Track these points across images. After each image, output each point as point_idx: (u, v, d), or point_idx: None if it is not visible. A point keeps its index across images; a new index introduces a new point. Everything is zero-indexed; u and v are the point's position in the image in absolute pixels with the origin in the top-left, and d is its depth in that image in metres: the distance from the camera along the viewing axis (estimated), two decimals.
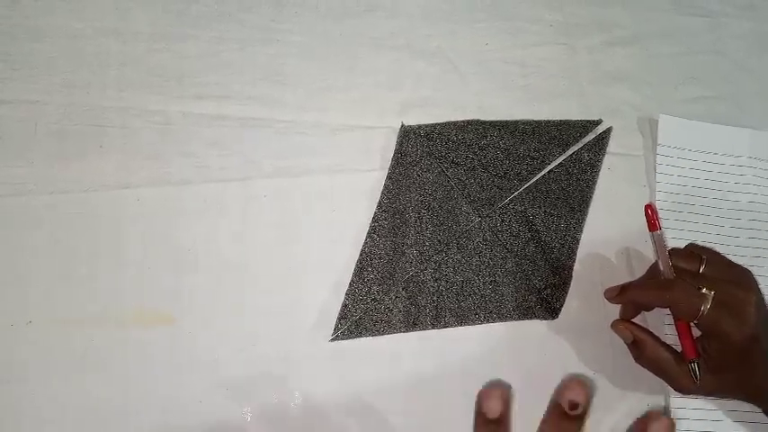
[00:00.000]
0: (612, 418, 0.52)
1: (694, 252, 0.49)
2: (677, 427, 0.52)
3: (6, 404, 0.46)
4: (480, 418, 0.30)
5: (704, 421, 0.52)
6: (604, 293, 0.50)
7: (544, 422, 0.31)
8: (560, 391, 0.30)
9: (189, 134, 0.53)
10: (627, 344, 0.49)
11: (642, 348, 0.48)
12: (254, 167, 0.53)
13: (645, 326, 0.50)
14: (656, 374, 0.48)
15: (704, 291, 0.45)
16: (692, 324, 0.47)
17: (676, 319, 0.48)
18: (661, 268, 0.48)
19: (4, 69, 0.53)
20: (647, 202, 0.49)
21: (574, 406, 0.29)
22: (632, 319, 0.50)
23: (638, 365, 0.49)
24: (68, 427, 0.46)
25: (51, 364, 0.47)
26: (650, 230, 0.49)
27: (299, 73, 0.57)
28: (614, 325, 0.50)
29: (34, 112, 0.52)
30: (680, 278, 0.47)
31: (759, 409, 0.48)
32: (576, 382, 0.29)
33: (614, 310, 0.52)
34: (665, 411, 0.52)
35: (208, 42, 0.56)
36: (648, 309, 0.52)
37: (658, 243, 0.48)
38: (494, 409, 0.29)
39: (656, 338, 0.48)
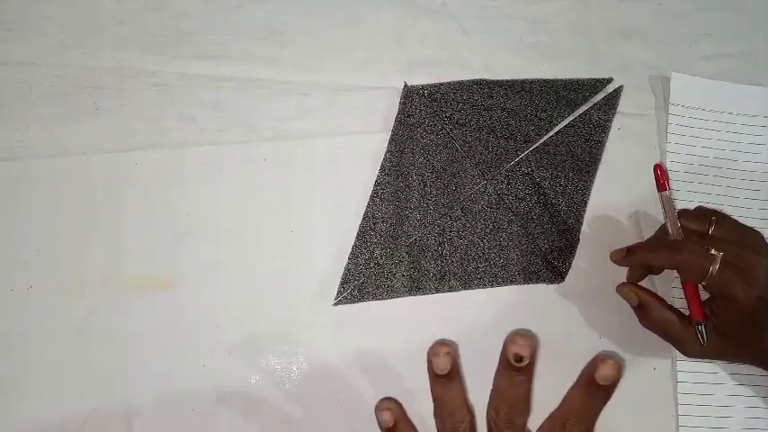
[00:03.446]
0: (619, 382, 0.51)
1: (704, 213, 0.48)
2: (682, 389, 0.51)
3: (7, 369, 0.46)
4: (432, 374, 0.33)
5: (710, 385, 0.52)
6: (610, 256, 0.49)
7: (497, 375, 0.34)
8: (505, 345, 0.32)
9: (187, 96, 0.52)
10: (632, 307, 0.49)
11: (648, 311, 0.47)
12: (253, 130, 0.52)
13: (653, 289, 0.49)
14: (663, 338, 0.48)
15: (713, 252, 0.44)
16: (699, 286, 0.46)
17: (684, 281, 0.47)
18: (669, 229, 0.47)
19: None
20: (656, 162, 0.48)
21: (518, 359, 0.31)
22: (638, 283, 0.50)
23: (644, 329, 0.48)
24: (70, 392, 0.46)
25: (52, 328, 0.47)
26: (659, 191, 0.48)
27: (300, 32, 0.55)
28: (620, 288, 0.49)
29: (29, 73, 0.51)
30: (688, 239, 0.46)
31: (766, 373, 0.48)
32: (519, 336, 0.31)
33: (621, 273, 0.51)
34: (672, 374, 0.52)
35: (205, 0, 0.54)
36: (656, 272, 0.51)
37: (667, 204, 0.47)
38: (442, 366, 0.33)
39: (662, 301, 0.48)
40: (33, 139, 0.50)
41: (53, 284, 0.48)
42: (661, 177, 0.48)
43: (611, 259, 0.49)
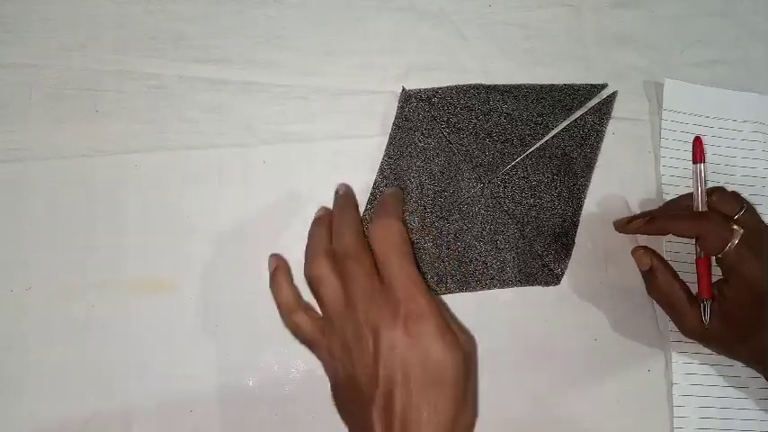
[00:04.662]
0: (614, 383, 0.52)
1: (738, 198, 0.49)
2: (677, 391, 0.52)
3: (7, 369, 0.46)
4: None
5: (704, 386, 0.53)
6: (628, 225, 0.51)
7: None
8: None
9: (187, 99, 0.52)
10: (642, 272, 0.50)
11: (658, 277, 0.49)
12: (253, 133, 0.52)
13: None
14: (665, 309, 0.49)
15: (735, 227, 0.45)
16: (713, 264, 0.47)
17: (698, 258, 0.48)
18: (695, 201, 0.49)
19: None
20: (695, 135, 0.52)
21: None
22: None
23: (636, 331, 0.49)
24: (70, 393, 0.46)
25: (52, 330, 0.47)
26: (694, 162, 0.50)
27: (299, 36, 0.55)
28: (635, 251, 0.50)
29: (29, 75, 0.51)
30: (713, 212, 0.48)
31: (760, 375, 0.48)
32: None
33: (617, 275, 0.52)
34: (666, 376, 0.53)
35: (206, 3, 0.54)
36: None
37: (699, 176, 0.49)
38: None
39: (674, 272, 0.49)
40: (33, 141, 0.50)
41: (53, 286, 0.48)
42: (698, 149, 0.50)
43: (629, 228, 0.51)
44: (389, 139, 0.53)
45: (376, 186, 0.52)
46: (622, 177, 0.56)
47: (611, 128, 0.57)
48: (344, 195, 0.47)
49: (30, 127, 0.50)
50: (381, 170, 0.53)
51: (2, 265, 0.48)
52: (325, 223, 0.45)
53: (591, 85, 0.57)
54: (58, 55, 0.52)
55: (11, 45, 0.51)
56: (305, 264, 0.43)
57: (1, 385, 0.46)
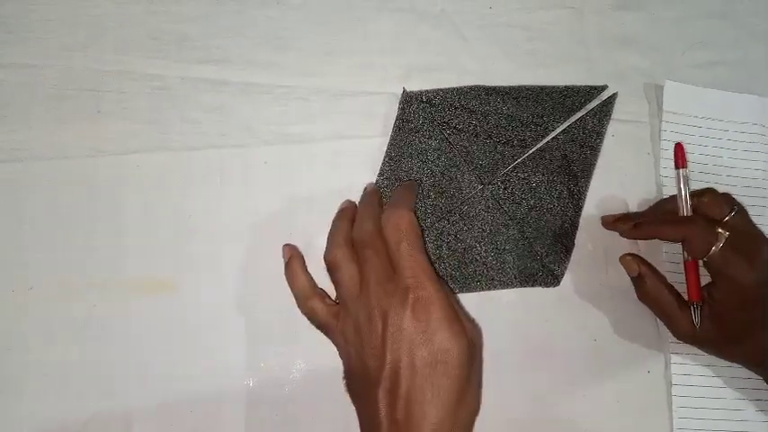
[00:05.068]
0: (614, 384, 0.52)
1: (729, 200, 0.49)
2: (677, 392, 0.52)
3: (8, 369, 0.46)
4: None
5: (704, 388, 0.53)
6: (614, 224, 0.52)
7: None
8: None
9: (188, 99, 0.52)
10: (631, 278, 0.51)
11: (646, 283, 0.49)
12: (254, 133, 0.52)
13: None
14: (657, 314, 0.50)
15: (719, 230, 0.46)
16: (701, 267, 0.48)
17: (686, 260, 0.49)
18: (680, 205, 0.49)
19: None
20: (677, 142, 0.52)
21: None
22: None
23: (636, 332, 0.50)
24: (70, 393, 0.46)
25: (52, 330, 0.47)
26: (676, 167, 0.50)
27: (300, 37, 0.55)
28: (623, 257, 0.51)
29: (31, 76, 0.51)
30: (698, 215, 0.48)
31: (759, 377, 0.48)
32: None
33: (617, 277, 0.52)
34: (666, 378, 0.53)
35: (207, 4, 0.55)
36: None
37: (683, 181, 0.50)
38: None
39: (662, 278, 0.50)
40: (35, 141, 0.50)
41: (54, 285, 0.48)
42: (680, 155, 0.51)
43: (617, 228, 0.51)
44: (390, 140, 0.53)
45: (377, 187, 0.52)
46: (622, 179, 0.56)
47: (611, 129, 0.57)
48: (370, 192, 0.50)
49: (31, 127, 0.50)
50: (382, 171, 0.53)
51: (3, 264, 0.48)
52: (347, 215, 0.48)
53: (591, 86, 0.57)
54: (58, 55, 0.52)
55: (12, 45, 0.52)
56: (325, 250, 0.46)
57: (1, 385, 0.46)
